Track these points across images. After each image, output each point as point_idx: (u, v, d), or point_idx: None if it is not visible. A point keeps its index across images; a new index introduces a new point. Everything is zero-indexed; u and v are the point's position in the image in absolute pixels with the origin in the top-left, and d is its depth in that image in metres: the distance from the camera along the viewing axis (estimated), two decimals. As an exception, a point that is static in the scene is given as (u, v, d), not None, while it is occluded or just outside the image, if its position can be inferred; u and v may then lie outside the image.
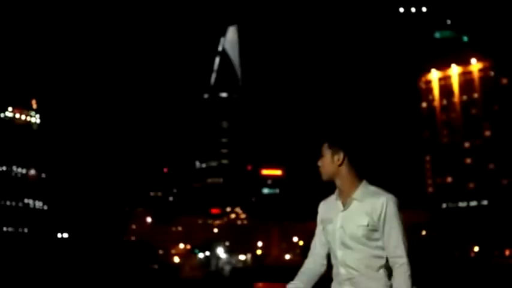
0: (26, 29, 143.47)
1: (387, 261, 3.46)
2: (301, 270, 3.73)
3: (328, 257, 3.69)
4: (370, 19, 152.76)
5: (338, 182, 3.56)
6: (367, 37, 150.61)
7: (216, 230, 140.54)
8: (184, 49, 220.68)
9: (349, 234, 3.46)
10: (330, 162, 3.53)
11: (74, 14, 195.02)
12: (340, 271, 3.53)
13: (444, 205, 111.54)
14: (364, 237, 3.43)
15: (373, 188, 3.53)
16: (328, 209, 3.65)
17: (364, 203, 3.46)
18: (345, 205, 3.53)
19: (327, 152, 3.55)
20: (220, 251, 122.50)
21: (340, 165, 3.52)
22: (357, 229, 3.44)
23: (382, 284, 3.46)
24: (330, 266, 3.70)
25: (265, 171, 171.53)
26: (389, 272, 3.47)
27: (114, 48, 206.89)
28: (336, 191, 3.61)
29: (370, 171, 3.60)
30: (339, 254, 3.51)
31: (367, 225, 3.42)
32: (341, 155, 3.51)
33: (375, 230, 3.44)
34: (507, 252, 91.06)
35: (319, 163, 3.59)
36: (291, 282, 3.68)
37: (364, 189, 3.51)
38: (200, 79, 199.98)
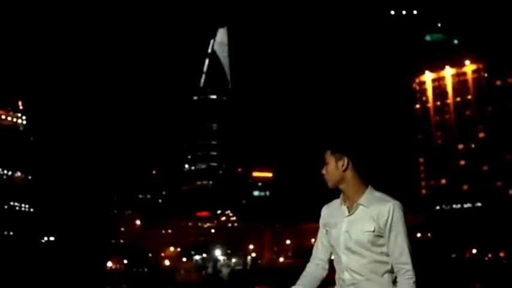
0: (13, 31, 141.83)
1: (391, 266, 3.45)
2: (303, 274, 3.69)
3: (330, 261, 3.67)
4: (361, 21, 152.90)
5: (343, 188, 3.54)
6: (359, 39, 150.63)
7: (206, 233, 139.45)
8: (173, 51, 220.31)
9: (355, 239, 3.45)
10: (335, 169, 3.52)
11: (62, 17, 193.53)
12: (344, 276, 3.51)
13: (438, 207, 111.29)
14: (369, 242, 3.43)
15: (378, 194, 3.51)
16: (332, 213, 3.63)
17: (370, 208, 3.45)
18: (351, 210, 3.52)
19: (330, 159, 3.53)
20: (218, 253, 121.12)
21: (344, 170, 3.51)
22: (363, 234, 3.44)
23: None
24: (330, 270, 3.67)
25: (255, 174, 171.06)
26: (393, 277, 3.46)
27: (103, 51, 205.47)
28: (341, 196, 3.60)
29: (374, 174, 3.58)
30: (343, 258, 3.50)
31: (373, 231, 3.42)
32: (345, 160, 3.50)
33: (380, 236, 3.43)
34: (501, 254, 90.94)
35: (323, 171, 3.57)
36: (292, 287, 3.61)
37: (369, 195, 3.50)
38: (189, 81, 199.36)
